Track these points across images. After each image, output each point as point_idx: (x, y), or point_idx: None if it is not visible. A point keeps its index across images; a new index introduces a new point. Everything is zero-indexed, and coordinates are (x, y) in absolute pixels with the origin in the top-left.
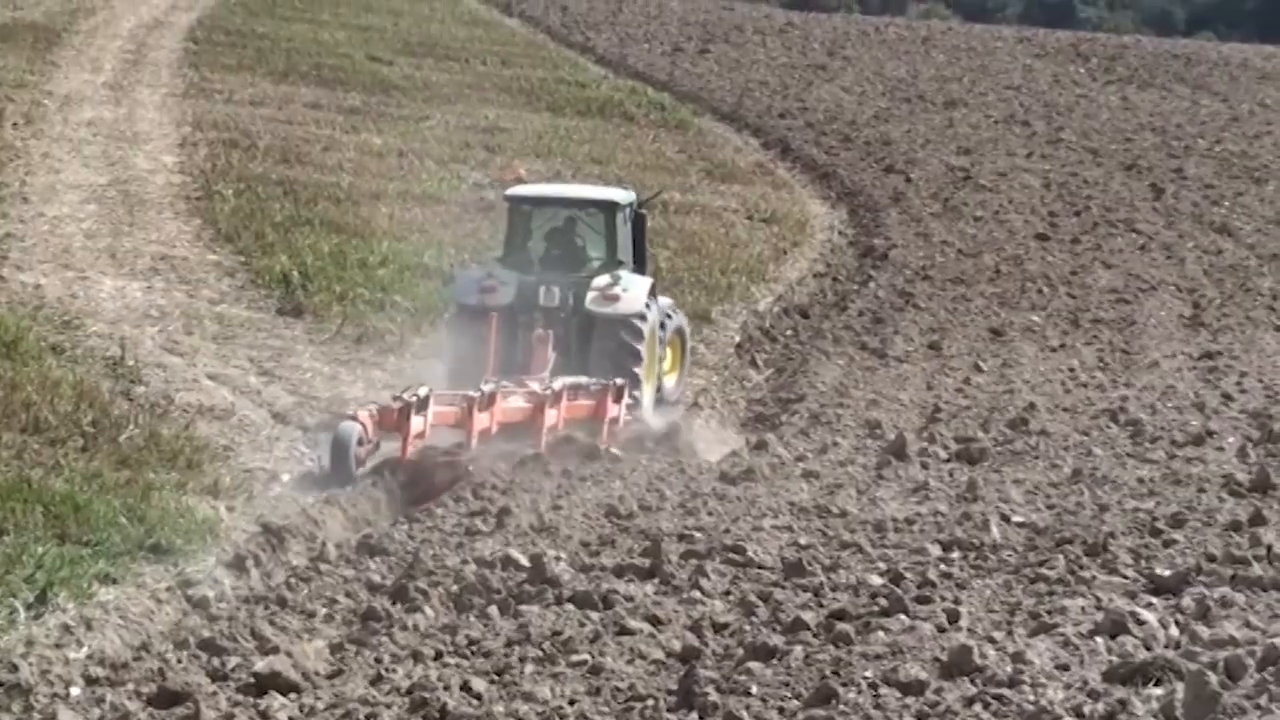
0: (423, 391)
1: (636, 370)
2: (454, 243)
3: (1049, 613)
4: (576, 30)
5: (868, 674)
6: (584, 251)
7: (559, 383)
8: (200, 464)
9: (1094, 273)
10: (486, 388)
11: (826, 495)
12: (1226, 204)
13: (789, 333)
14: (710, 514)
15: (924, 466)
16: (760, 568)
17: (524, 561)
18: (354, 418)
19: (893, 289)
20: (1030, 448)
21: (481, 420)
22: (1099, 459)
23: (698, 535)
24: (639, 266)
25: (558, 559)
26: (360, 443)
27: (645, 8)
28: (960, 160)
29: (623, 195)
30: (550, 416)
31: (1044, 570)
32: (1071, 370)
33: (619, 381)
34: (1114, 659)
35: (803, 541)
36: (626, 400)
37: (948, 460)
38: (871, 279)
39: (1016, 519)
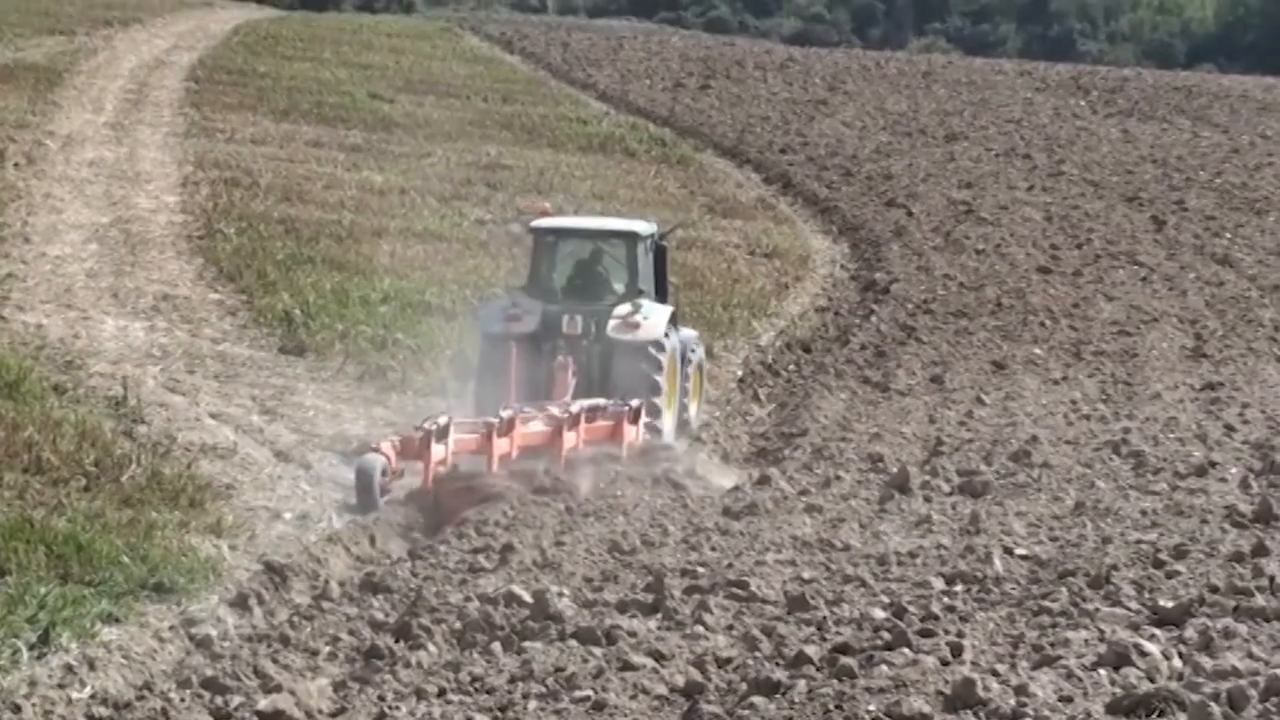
0: (443, 420)
1: (656, 398)
2: (456, 279)
3: (1052, 645)
4: (578, 67)
5: (871, 708)
6: (606, 281)
7: (577, 405)
8: (203, 503)
9: (1096, 305)
10: (505, 413)
11: (829, 529)
12: (1228, 235)
13: (791, 367)
14: (713, 549)
15: (927, 500)
16: (763, 602)
17: (527, 598)
18: (376, 449)
19: (895, 322)
20: (1033, 480)
21: (501, 445)
22: (1101, 491)
23: (700, 570)
24: (660, 296)
25: (561, 595)
26: (384, 473)
27: (646, 44)
28: (961, 194)
29: (644, 227)
30: (569, 439)
31: (1047, 602)
32: (1074, 402)
33: (635, 403)
34: (1117, 691)
35: (806, 575)
36: (645, 420)
37: (950, 493)
38: (873, 313)
39: (1019, 551)
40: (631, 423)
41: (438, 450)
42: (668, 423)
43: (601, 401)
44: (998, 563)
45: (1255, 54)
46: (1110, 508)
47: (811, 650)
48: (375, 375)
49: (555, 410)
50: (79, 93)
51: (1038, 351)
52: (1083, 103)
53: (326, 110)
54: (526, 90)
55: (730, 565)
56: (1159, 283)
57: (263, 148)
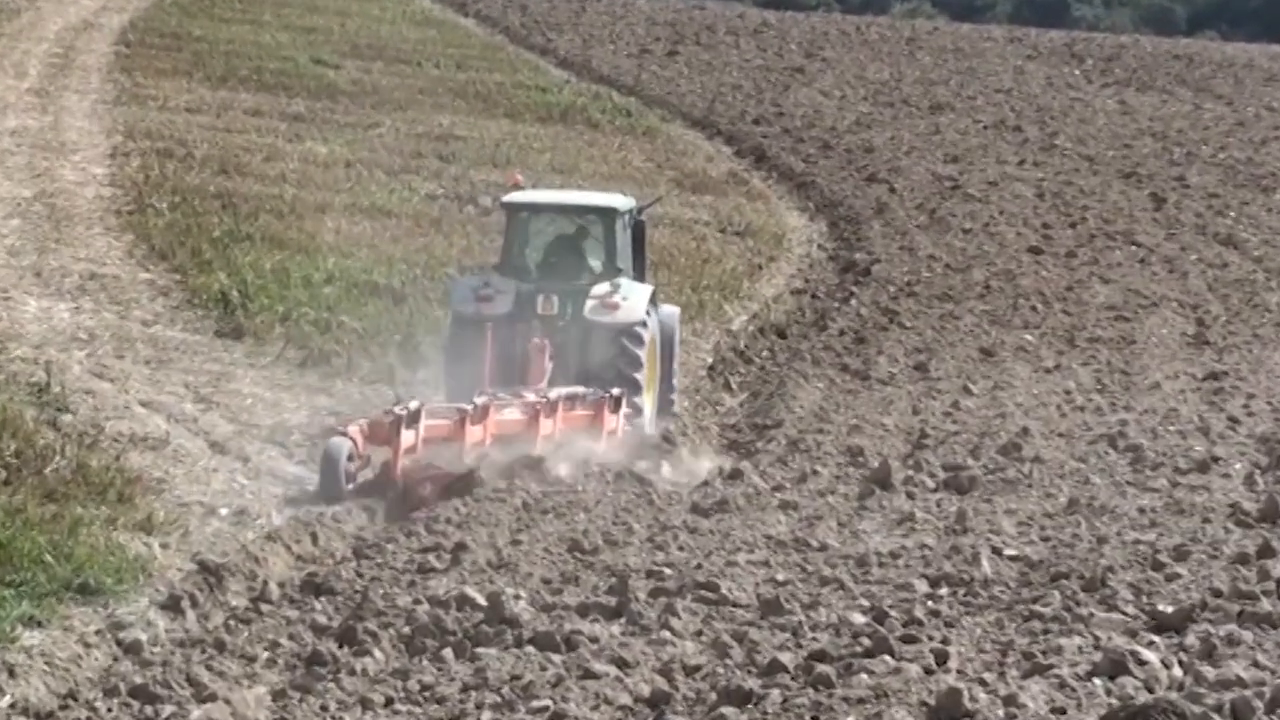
0: (414, 405)
1: (637, 379)
2: (406, 258)
3: (1044, 653)
4: (537, 31)
5: (850, 719)
6: (583, 259)
7: (555, 393)
8: (132, 498)
9: (1091, 288)
10: (480, 400)
11: (805, 528)
12: (1232, 214)
13: (765, 354)
14: (681, 548)
15: (910, 496)
16: (734, 606)
17: (481, 600)
18: (344, 432)
19: (876, 306)
20: (1023, 476)
21: (475, 433)
22: (1097, 487)
23: (667, 571)
24: (638, 274)
25: (517, 598)
26: (350, 458)
27: (610, 7)
28: (948, 169)
29: (622, 201)
30: (546, 427)
31: (1038, 607)
32: (1067, 392)
33: (616, 391)
34: (1113, 702)
35: (780, 577)
36: (626, 410)
37: (935, 490)
38: (853, 296)
39: (1009, 552)
40: (612, 411)
41: (408, 437)
42: (648, 409)
43: (580, 390)
44: (986, 564)
45: (1261, 21)
46: (1106, 505)
47: (786, 658)
48: (318, 361)
49: (532, 397)
50: (0, 56)
51: (1029, 338)
52: (1077, 72)
53: (267, 77)
54: (482, 56)
55: (699, 566)
56: (1158, 265)
57: (198, 116)
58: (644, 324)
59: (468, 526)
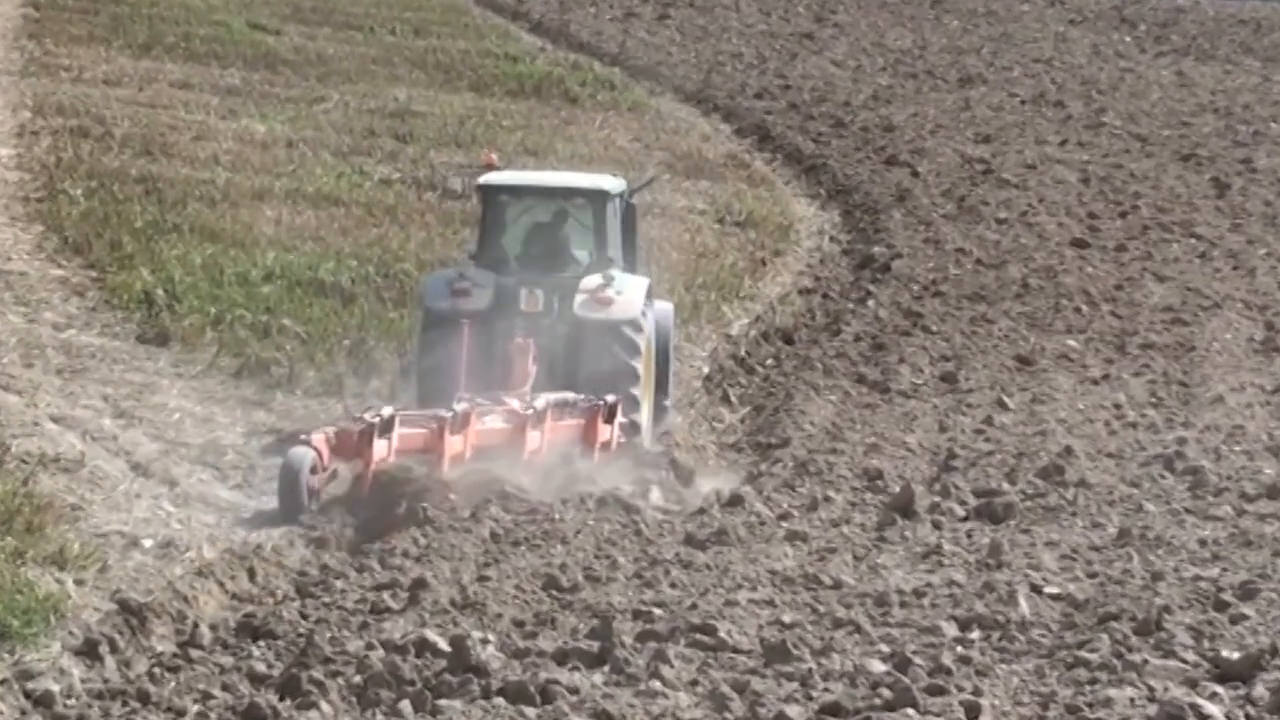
0: (387, 411)
1: (633, 388)
2: (357, 252)
3: (1090, 705)
4: None
5: None
6: (569, 249)
7: (542, 400)
8: (42, 527)
9: (1144, 287)
10: (460, 406)
11: (816, 562)
12: None
13: (769, 362)
14: (673, 586)
15: (936, 526)
16: (735, 652)
17: (443, 645)
18: (306, 441)
19: (897, 308)
20: (1067, 503)
21: (454, 444)
22: (1151, 516)
23: (657, 612)
24: (629, 265)
25: (485, 642)
26: (313, 470)
27: None
28: (979, 150)
29: (613, 183)
30: (533, 439)
31: (1084, 653)
32: (1117, 407)
33: (611, 398)
34: None
35: (787, 619)
36: (621, 420)
37: (965, 518)
38: (870, 296)
39: (1050, 590)
40: (606, 421)
41: (380, 447)
42: (645, 419)
43: (570, 396)
44: (1024, 604)
45: None
46: (1161, 536)
47: (794, 711)
48: (256, 370)
49: (516, 404)
50: None
51: (1073, 344)
52: (1128, 39)
53: (196, 44)
54: (443, 20)
55: (694, 606)
56: (1221, 260)
57: (118, 90)
58: (640, 322)
59: (428, 560)
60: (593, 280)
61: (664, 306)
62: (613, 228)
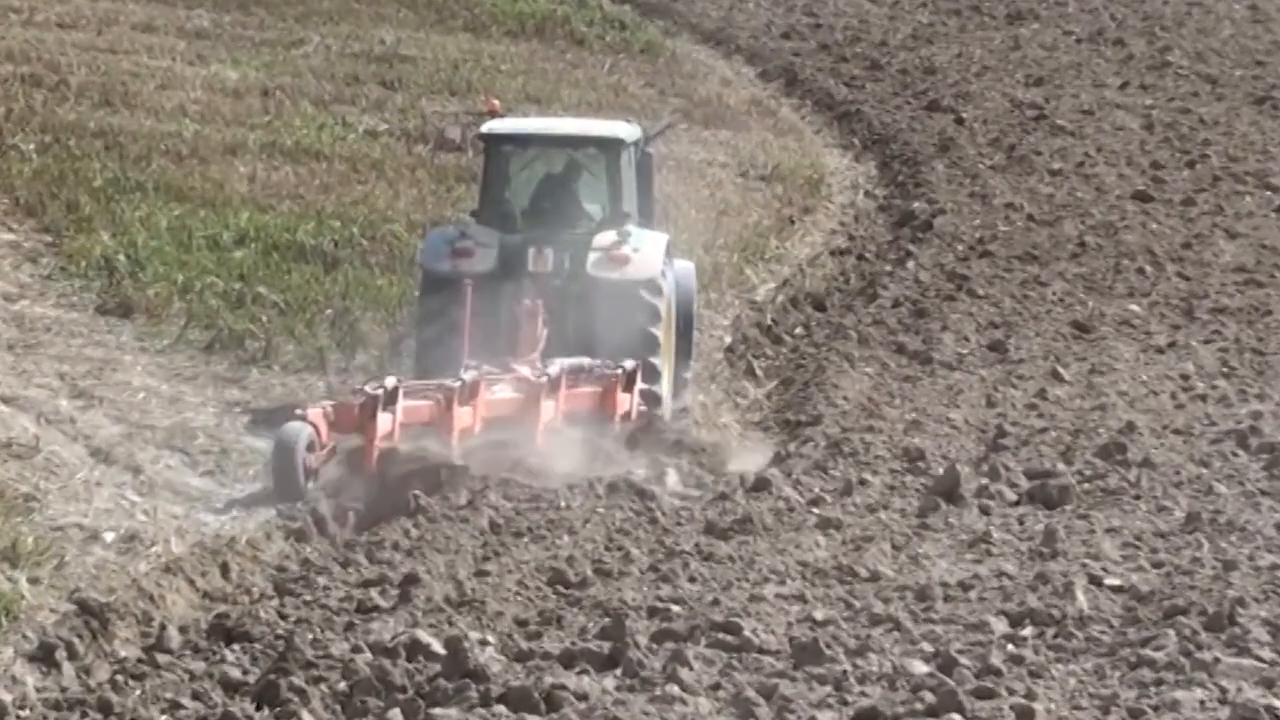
0: (390, 382)
1: (653, 355)
2: (339, 212)
3: (1155, 708)
4: None
5: None
6: (581, 203)
7: (555, 367)
8: None
9: (1214, 245)
10: (468, 375)
11: (851, 552)
12: None
13: (798, 331)
14: (692, 580)
15: (984, 512)
16: (761, 652)
17: (438, 648)
18: (302, 416)
19: (939, 270)
20: (1129, 484)
21: (463, 416)
22: (1222, 499)
23: (675, 609)
24: (645, 220)
25: (484, 644)
26: (310, 448)
27: None
28: (1030, 94)
29: (627, 130)
30: (547, 409)
31: (1148, 651)
32: (1184, 378)
33: (630, 364)
34: None
35: (819, 616)
36: (641, 387)
37: (1016, 503)
38: (910, 256)
39: (1110, 581)
40: (625, 389)
41: (384, 421)
42: (665, 387)
43: (586, 361)
44: (1081, 597)
45: None
46: (1234, 521)
47: (827, 718)
48: (228, 344)
49: (527, 371)
50: None
51: (1135, 308)
52: None
53: None
54: None
55: (715, 602)
56: None
57: (74, 33)
58: (659, 282)
59: (420, 554)
60: (607, 237)
61: (684, 266)
62: (628, 179)
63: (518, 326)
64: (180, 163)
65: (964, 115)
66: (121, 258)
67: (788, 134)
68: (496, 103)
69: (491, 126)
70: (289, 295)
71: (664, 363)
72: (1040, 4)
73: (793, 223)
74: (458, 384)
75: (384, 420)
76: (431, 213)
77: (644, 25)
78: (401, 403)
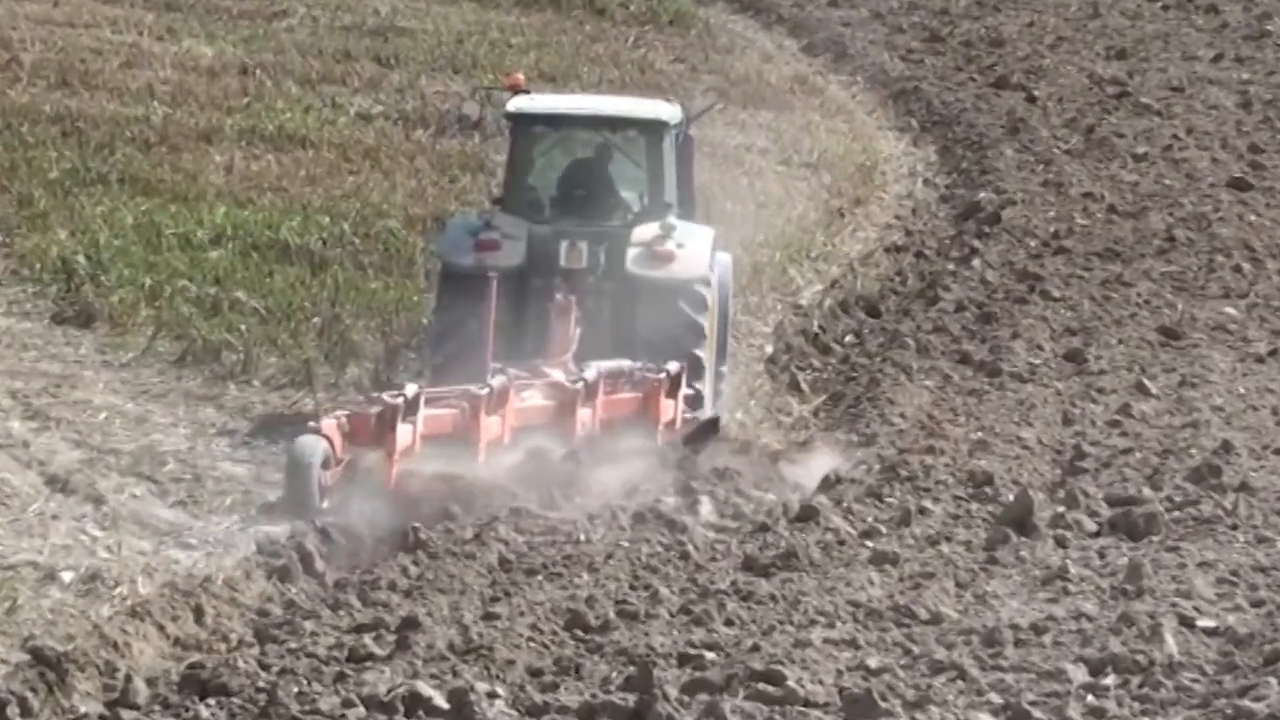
0: (410, 390)
1: (699, 355)
2: (328, 206)
3: None
4: None
5: None
6: (618, 192)
7: (592, 370)
8: None
9: None
10: (496, 381)
11: (910, 590)
12: None
13: (849, 339)
14: (729, 623)
15: (1060, 544)
16: (807, 705)
17: (440, 701)
18: (316, 429)
19: (1009, 269)
20: (1225, 512)
21: (492, 425)
22: None
23: (709, 656)
24: (685, 209)
25: (492, 696)
26: (325, 464)
27: None
28: (1111, 68)
29: (669, 112)
30: (583, 418)
31: (1247, 702)
32: None
33: (674, 367)
34: None
35: (873, 664)
36: (686, 391)
37: (1097, 534)
38: (976, 254)
39: (1204, 623)
40: (669, 395)
41: (404, 433)
42: (708, 392)
43: (626, 364)
44: (1171, 641)
45: None
46: None
47: None
48: (202, 357)
49: (560, 376)
50: None
51: (1231, 312)
52: None
53: None
54: None
55: (755, 648)
56: None
57: (26, 5)
58: (709, 279)
59: (420, 594)
60: (648, 230)
61: (723, 259)
62: (669, 166)
63: (548, 326)
64: (148, 151)
65: (1036, 93)
66: (81, 259)
67: (836, 115)
68: (521, 77)
69: (519, 105)
70: (271, 301)
71: (708, 361)
72: None
73: (842, 216)
74: (485, 390)
75: (404, 432)
76: (433, 207)
77: None
78: (422, 412)
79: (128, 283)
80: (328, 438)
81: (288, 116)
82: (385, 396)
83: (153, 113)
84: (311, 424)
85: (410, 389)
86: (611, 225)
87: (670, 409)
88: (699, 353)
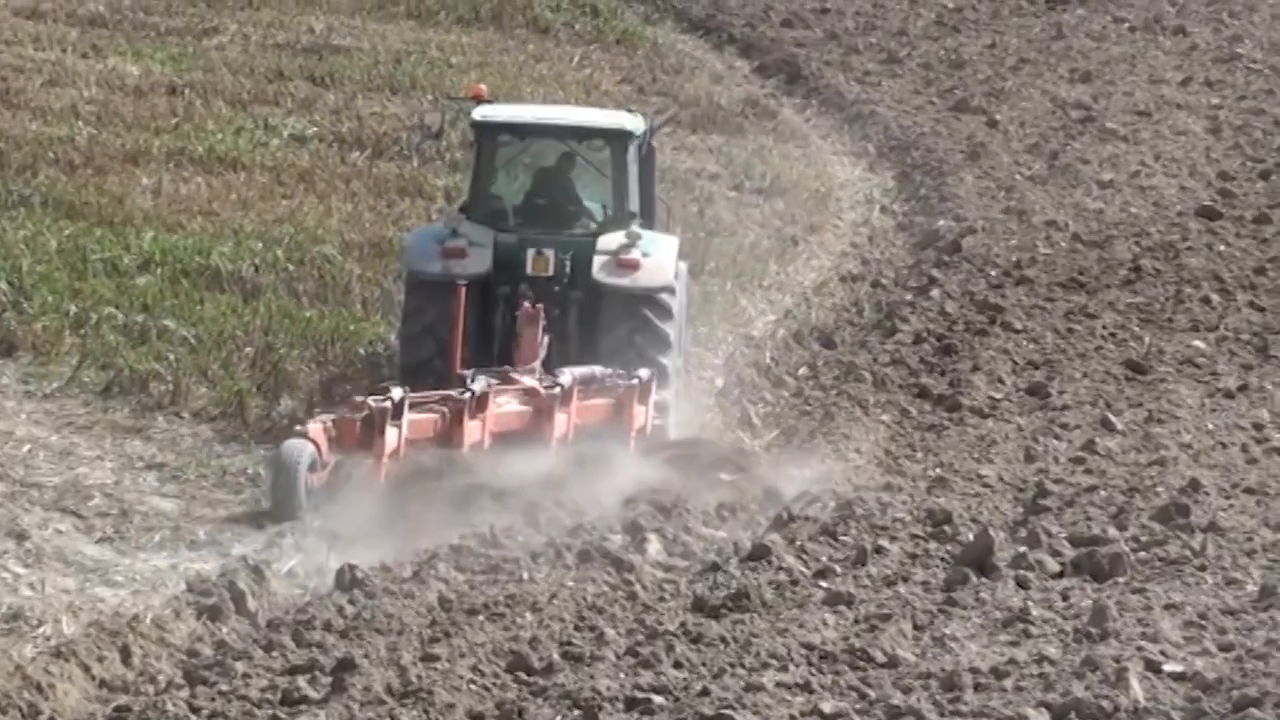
0: (396, 393)
1: (665, 363)
2: (261, 230)
3: None
4: None
5: None
6: (581, 199)
7: (567, 376)
8: None
9: None
10: (477, 386)
11: (866, 632)
12: None
13: (803, 371)
14: (678, 665)
15: (1022, 585)
16: None
17: None
18: (304, 434)
19: (969, 299)
20: (1193, 553)
21: (473, 430)
22: None
23: (657, 700)
24: (646, 219)
25: None
26: (312, 468)
27: None
28: (1076, 91)
29: (633, 121)
30: (559, 423)
31: None
32: (1258, 427)
33: (645, 374)
34: None
35: (827, 708)
36: (656, 398)
37: (1060, 574)
38: (935, 283)
39: (1171, 668)
40: (640, 401)
41: (391, 436)
42: (672, 397)
43: (598, 371)
44: (1136, 686)
45: None
46: None
47: None
48: (129, 387)
49: (532, 382)
50: None
51: (1199, 345)
52: None
53: None
54: None
55: (705, 692)
56: None
57: None
58: (673, 290)
59: (357, 635)
60: (613, 239)
61: (681, 268)
62: (633, 175)
63: (515, 334)
64: (72, 173)
65: (997, 117)
66: (3, 285)
67: (790, 139)
68: (483, 88)
69: (485, 114)
70: (201, 330)
71: (673, 373)
72: None
73: (796, 244)
74: (466, 395)
75: (392, 435)
76: (370, 232)
77: (620, 11)
78: (407, 416)
79: (51, 310)
80: (314, 441)
81: (218, 138)
82: (371, 401)
83: (77, 133)
84: (298, 428)
85: (396, 392)
86: (576, 233)
87: (641, 415)
88: (664, 360)
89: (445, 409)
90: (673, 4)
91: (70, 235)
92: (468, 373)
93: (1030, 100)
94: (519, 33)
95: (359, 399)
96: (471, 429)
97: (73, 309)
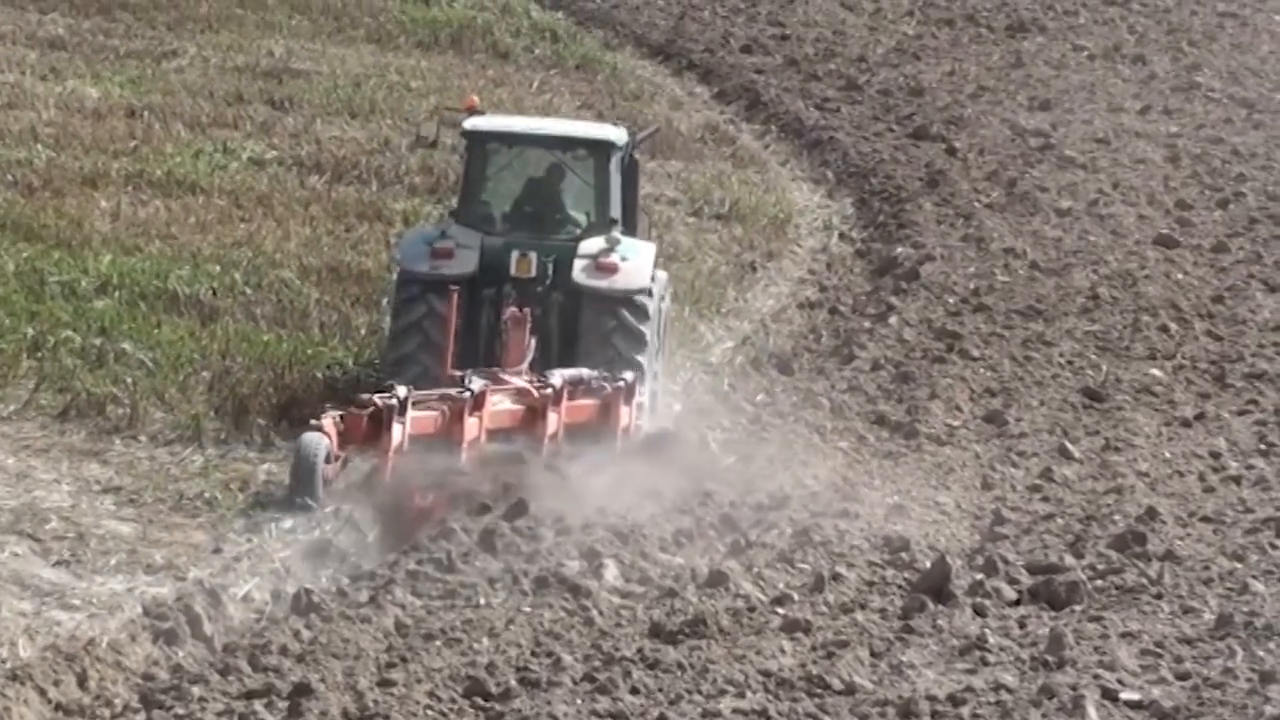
0: (402, 391)
1: (641, 363)
2: (218, 254)
3: None
4: None
5: None
6: (565, 207)
7: (558, 377)
8: None
9: (1251, 299)
10: (475, 384)
11: (823, 660)
12: None
13: (760, 398)
14: (635, 691)
15: (979, 613)
16: None
17: None
18: (318, 427)
19: (927, 327)
20: (1150, 581)
21: (472, 427)
22: (1259, 598)
23: None
24: (629, 228)
25: None
26: (328, 460)
27: None
28: (1035, 119)
29: (617, 134)
30: (550, 422)
31: None
32: (1215, 455)
33: (629, 376)
34: None
35: None
36: (639, 400)
37: (1017, 602)
38: (893, 311)
39: (1128, 696)
40: (625, 402)
41: (396, 431)
42: (648, 400)
43: (585, 373)
44: (1093, 714)
45: None
46: (1272, 626)
47: None
48: (87, 411)
49: (521, 381)
50: None
51: (1157, 373)
52: None
53: None
54: None
55: (662, 718)
56: None
57: None
58: (649, 292)
59: (314, 659)
60: (594, 244)
61: (661, 276)
62: (615, 184)
63: (502, 334)
64: (30, 196)
65: (956, 144)
66: None
67: (748, 165)
68: (475, 99)
69: (476, 123)
70: (158, 353)
71: (649, 373)
72: (1046, 14)
73: (754, 270)
74: (465, 393)
75: (398, 431)
76: (328, 256)
77: (580, 36)
78: (410, 413)
79: (9, 333)
80: (328, 434)
81: (177, 161)
82: (377, 398)
83: (35, 156)
84: (314, 421)
85: (401, 390)
86: (560, 238)
87: (626, 415)
88: (640, 359)
89: (445, 407)
90: (632, 30)
91: (28, 258)
92: (462, 373)
93: (989, 128)
94: (479, 57)
95: (366, 396)
96: (472, 425)
97: (30, 332)
